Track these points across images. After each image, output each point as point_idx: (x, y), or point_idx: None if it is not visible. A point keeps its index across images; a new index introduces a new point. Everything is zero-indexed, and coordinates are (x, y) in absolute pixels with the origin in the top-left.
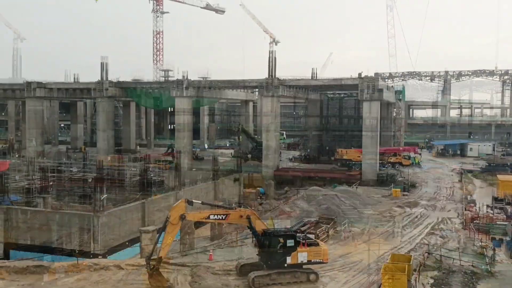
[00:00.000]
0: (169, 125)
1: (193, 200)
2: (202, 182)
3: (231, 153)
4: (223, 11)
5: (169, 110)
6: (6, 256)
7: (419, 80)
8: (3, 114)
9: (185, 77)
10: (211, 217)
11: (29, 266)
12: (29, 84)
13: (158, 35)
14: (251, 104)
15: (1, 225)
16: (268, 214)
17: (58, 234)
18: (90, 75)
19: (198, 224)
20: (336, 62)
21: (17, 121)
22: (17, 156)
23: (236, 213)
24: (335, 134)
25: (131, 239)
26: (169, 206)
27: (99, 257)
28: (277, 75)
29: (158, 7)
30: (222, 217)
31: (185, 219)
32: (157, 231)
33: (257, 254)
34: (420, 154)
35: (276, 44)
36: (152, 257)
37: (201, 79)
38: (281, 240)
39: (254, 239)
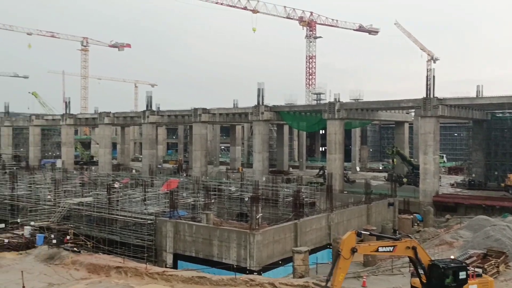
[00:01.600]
0: (321, 147)
1: (362, 232)
2: (354, 205)
3: (385, 177)
4: (377, 32)
5: (321, 132)
6: (175, 266)
7: None
8: (174, 137)
9: (337, 100)
10: (380, 249)
11: (194, 277)
12: (195, 110)
13: (310, 60)
14: (406, 125)
15: (172, 237)
16: (426, 243)
17: (218, 249)
18: (247, 100)
19: None
20: (503, 78)
21: (185, 144)
22: (184, 175)
23: (402, 244)
24: (505, 157)
25: (284, 258)
26: (321, 227)
27: (255, 273)
28: (435, 94)
29: (311, 32)
30: (390, 249)
31: (356, 252)
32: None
33: (412, 286)
34: None
35: (434, 62)
36: None
37: (353, 101)
38: (452, 272)
39: (410, 268)
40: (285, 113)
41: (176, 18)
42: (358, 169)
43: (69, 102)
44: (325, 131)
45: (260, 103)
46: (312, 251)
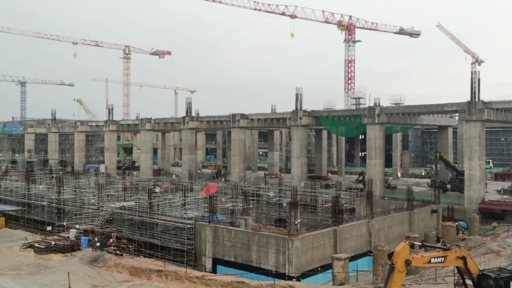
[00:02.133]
0: (360, 152)
1: (415, 242)
2: (395, 212)
3: (428, 183)
4: (418, 34)
5: (360, 137)
6: (214, 270)
7: None
8: (213, 143)
9: (377, 104)
10: (432, 260)
11: (233, 282)
12: (234, 115)
13: (349, 64)
14: (450, 129)
15: (211, 241)
16: (472, 252)
17: (257, 254)
18: (285, 105)
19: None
20: None
21: (224, 149)
22: (223, 180)
23: (453, 254)
24: None
25: (323, 265)
26: (361, 234)
27: (293, 279)
28: (481, 97)
29: (350, 36)
30: (441, 260)
31: (410, 264)
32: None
33: None
34: None
35: (479, 64)
36: None
37: (394, 105)
38: (504, 282)
39: (455, 278)
40: (324, 118)
41: (215, 26)
42: (399, 174)
43: (112, 108)
44: (365, 136)
45: (298, 108)
46: (352, 258)
